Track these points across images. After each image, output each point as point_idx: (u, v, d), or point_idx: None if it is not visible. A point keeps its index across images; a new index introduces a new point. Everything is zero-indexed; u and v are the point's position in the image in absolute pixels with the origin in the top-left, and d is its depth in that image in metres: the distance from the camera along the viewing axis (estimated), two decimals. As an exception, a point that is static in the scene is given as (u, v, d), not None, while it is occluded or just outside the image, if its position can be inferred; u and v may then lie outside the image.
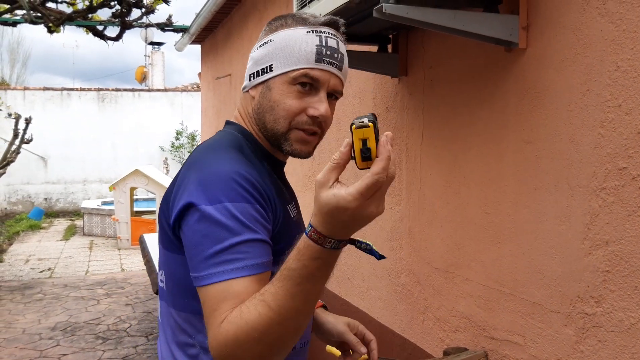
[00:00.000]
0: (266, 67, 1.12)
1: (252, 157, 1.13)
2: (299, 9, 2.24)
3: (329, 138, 3.33)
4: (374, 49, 2.50)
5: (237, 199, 0.99)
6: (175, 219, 1.04)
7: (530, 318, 1.77)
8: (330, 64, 1.11)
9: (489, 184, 1.96)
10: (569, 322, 1.63)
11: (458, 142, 2.13)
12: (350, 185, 0.85)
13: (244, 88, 1.19)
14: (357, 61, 2.39)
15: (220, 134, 1.20)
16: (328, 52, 1.10)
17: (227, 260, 0.96)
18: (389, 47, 2.50)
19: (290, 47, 1.10)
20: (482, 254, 2.01)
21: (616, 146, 1.47)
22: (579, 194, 1.59)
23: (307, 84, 1.10)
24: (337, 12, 1.94)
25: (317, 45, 1.10)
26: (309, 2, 2.14)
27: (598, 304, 1.53)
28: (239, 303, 0.93)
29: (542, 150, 1.72)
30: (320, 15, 1.98)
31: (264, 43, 1.14)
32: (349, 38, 2.39)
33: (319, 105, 1.11)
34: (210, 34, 7.06)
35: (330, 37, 1.12)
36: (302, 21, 1.12)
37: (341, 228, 0.86)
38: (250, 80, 1.16)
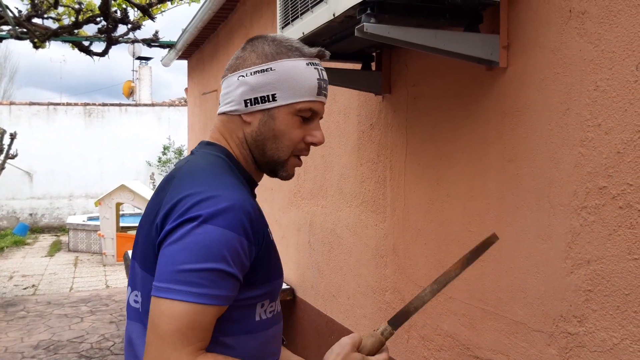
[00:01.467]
0: (268, 96, 1.15)
1: (241, 179, 1.16)
2: (283, 27, 2.25)
3: (315, 155, 3.33)
4: (357, 66, 2.51)
5: (229, 226, 1.01)
6: (163, 236, 1.03)
7: (514, 337, 1.77)
8: (325, 95, 1.21)
9: (472, 201, 1.96)
10: (552, 342, 1.63)
11: (441, 159, 2.13)
12: None
13: (233, 111, 1.19)
14: (341, 79, 2.40)
15: (206, 156, 1.18)
16: (324, 85, 1.19)
17: (192, 282, 0.97)
18: (373, 65, 2.51)
19: (294, 79, 1.15)
20: (466, 272, 1.99)
21: (596, 165, 1.48)
22: (560, 213, 1.59)
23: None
24: (320, 30, 1.95)
25: (317, 79, 1.17)
26: (292, 20, 2.15)
27: (581, 323, 1.53)
28: (204, 337, 0.99)
29: (523, 169, 1.72)
30: (303, 34, 1.98)
31: (263, 70, 1.15)
32: (333, 56, 2.41)
33: (317, 134, 1.20)
34: (197, 49, 7.06)
35: (323, 70, 1.20)
36: (298, 52, 1.17)
37: None
38: (246, 105, 1.17)
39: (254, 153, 1.20)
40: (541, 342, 1.66)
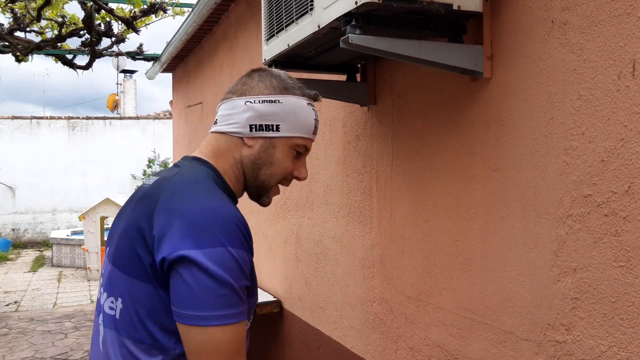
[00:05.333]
0: (273, 126, 1.25)
1: (228, 193, 1.23)
2: (268, 39, 2.25)
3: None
4: (342, 78, 2.51)
5: (237, 244, 1.07)
6: (170, 261, 1.05)
7: (502, 346, 1.77)
8: (315, 135, 1.33)
9: (458, 211, 1.96)
10: (540, 351, 1.63)
11: (427, 169, 2.14)
12: None
13: (236, 133, 1.26)
14: (327, 90, 2.40)
15: (195, 169, 1.22)
16: (317, 126, 1.33)
17: (230, 303, 1.05)
18: (358, 76, 2.51)
19: (297, 114, 1.27)
20: (453, 281, 2.00)
21: (581, 174, 1.49)
22: (546, 221, 1.60)
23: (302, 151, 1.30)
24: (305, 42, 1.95)
25: (314, 120, 1.31)
26: (277, 32, 2.15)
27: (568, 331, 1.53)
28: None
29: (508, 178, 1.73)
30: (288, 45, 1.99)
31: (271, 101, 1.25)
32: (318, 68, 2.41)
33: (303, 170, 1.33)
34: (182, 62, 7.04)
35: (317, 113, 1.34)
36: (300, 91, 1.29)
37: None
38: (251, 130, 1.25)
39: (247, 174, 1.28)
40: (529, 351, 1.66)
